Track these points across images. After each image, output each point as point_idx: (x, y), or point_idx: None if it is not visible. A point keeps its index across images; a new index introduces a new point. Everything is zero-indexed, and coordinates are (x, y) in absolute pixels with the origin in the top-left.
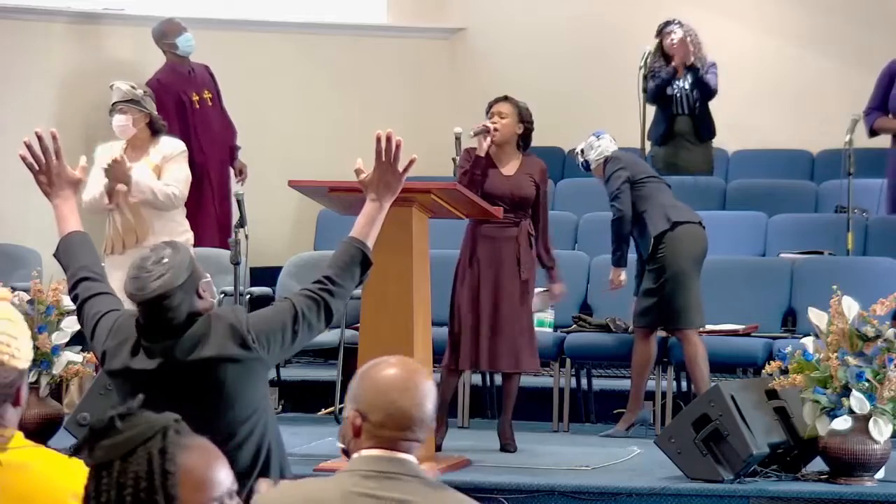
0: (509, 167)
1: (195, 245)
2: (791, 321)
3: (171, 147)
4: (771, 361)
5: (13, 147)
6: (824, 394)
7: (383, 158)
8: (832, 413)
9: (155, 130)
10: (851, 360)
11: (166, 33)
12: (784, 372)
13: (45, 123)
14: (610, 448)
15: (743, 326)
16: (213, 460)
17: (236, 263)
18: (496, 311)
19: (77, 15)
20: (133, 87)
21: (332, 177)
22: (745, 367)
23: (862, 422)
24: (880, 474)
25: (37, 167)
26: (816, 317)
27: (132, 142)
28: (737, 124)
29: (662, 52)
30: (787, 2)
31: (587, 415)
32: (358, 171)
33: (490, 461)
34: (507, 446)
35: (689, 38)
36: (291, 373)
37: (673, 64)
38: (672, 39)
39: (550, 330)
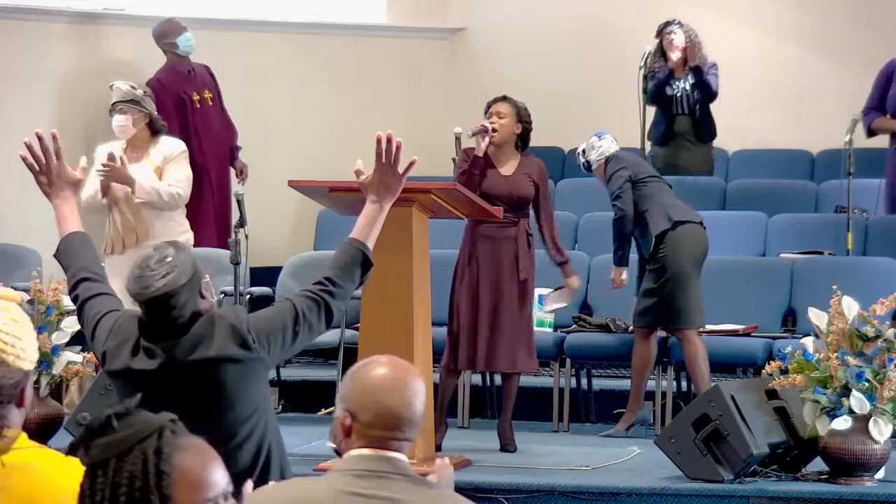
0: (507, 167)
1: (195, 245)
2: (791, 321)
3: (172, 147)
4: (771, 361)
5: (13, 147)
6: (824, 394)
7: (383, 160)
8: (832, 413)
9: (155, 130)
10: (851, 360)
11: (166, 33)
12: (784, 372)
13: (45, 123)
14: (610, 448)
15: (743, 326)
16: (209, 461)
17: (236, 263)
18: (495, 311)
19: (77, 15)
20: (133, 87)
21: (332, 177)
22: (745, 367)
23: (862, 422)
24: (880, 474)
25: (37, 168)
26: (816, 317)
27: (132, 142)
28: (737, 124)
29: (663, 53)
30: (787, 2)
31: (587, 415)
32: (358, 172)
33: (490, 461)
34: (507, 446)
35: (687, 40)
36: (291, 373)
37: (668, 64)
38: (672, 40)
39: (550, 330)
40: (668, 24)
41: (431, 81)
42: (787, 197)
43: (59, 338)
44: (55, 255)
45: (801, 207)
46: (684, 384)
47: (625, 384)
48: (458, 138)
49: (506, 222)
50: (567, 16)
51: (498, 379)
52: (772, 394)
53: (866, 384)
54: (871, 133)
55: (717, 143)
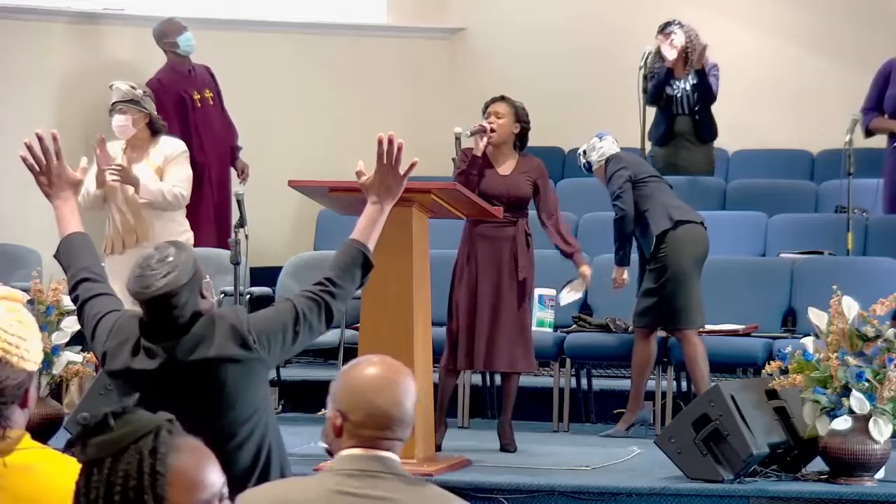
0: (506, 167)
1: (194, 245)
2: (791, 321)
3: (172, 147)
4: (771, 361)
5: (13, 147)
6: (824, 394)
7: (385, 161)
8: (832, 413)
9: (155, 130)
10: (851, 360)
11: (167, 33)
12: (784, 372)
13: (45, 124)
14: (610, 448)
15: (743, 326)
16: (205, 462)
17: (236, 263)
18: (493, 311)
19: (77, 15)
20: (133, 87)
21: (332, 177)
22: (745, 367)
23: (862, 422)
24: (880, 474)
25: (37, 168)
26: (816, 317)
27: (132, 142)
28: (737, 124)
29: (662, 53)
30: (787, 2)
31: (587, 415)
32: (359, 173)
33: (490, 461)
34: (507, 446)
35: (688, 41)
36: (291, 373)
37: (665, 63)
38: (672, 40)
39: (550, 330)
40: (668, 24)
41: (431, 81)
42: (787, 197)
43: (59, 338)
44: (55, 256)
45: (801, 207)
46: (684, 384)
47: (625, 384)
48: (458, 138)
49: (504, 222)
50: (567, 16)
51: (498, 379)
52: (772, 394)
53: (866, 384)
54: (868, 133)
55: (717, 143)
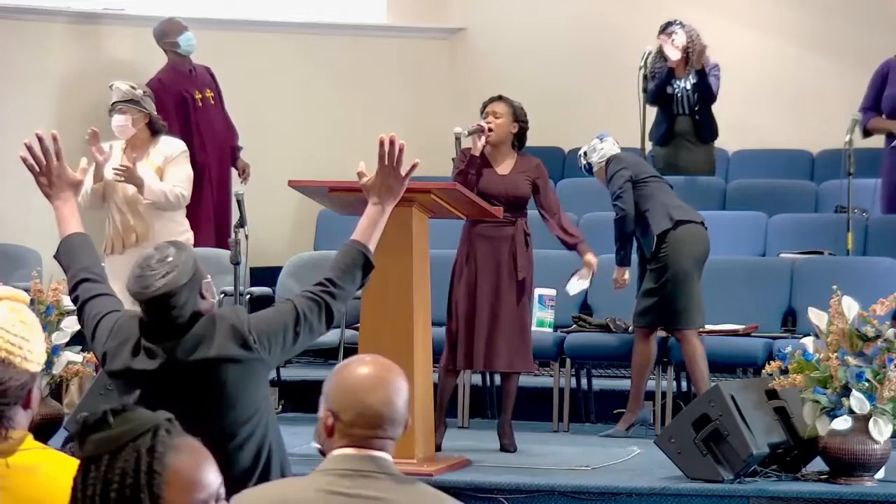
0: (504, 166)
1: (194, 245)
2: (791, 321)
3: (172, 148)
4: (771, 361)
5: (13, 147)
6: (824, 394)
7: (386, 162)
8: (832, 413)
9: (155, 130)
10: (851, 360)
11: (167, 32)
12: (784, 372)
13: (46, 124)
14: (610, 448)
15: (743, 326)
16: (202, 462)
17: (236, 263)
18: (493, 311)
19: (77, 15)
20: (133, 87)
21: (332, 177)
22: (745, 367)
23: (862, 422)
24: (880, 474)
25: (37, 169)
26: (816, 317)
27: (132, 142)
28: (737, 124)
29: (664, 53)
30: (787, 2)
31: (587, 415)
32: (360, 174)
33: (490, 461)
34: (507, 446)
35: (689, 41)
36: (291, 373)
37: (667, 64)
38: (673, 40)
39: (550, 330)
40: (669, 24)
41: (431, 81)
42: (787, 197)
43: (59, 338)
44: (55, 256)
45: (801, 207)
46: (684, 384)
47: (625, 384)
48: (458, 138)
49: (503, 222)
50: (567, 15)
51: (498, 379)
52: (772, 394)
53: (866, 384)
54: (866, 133)
55: (717, 142)
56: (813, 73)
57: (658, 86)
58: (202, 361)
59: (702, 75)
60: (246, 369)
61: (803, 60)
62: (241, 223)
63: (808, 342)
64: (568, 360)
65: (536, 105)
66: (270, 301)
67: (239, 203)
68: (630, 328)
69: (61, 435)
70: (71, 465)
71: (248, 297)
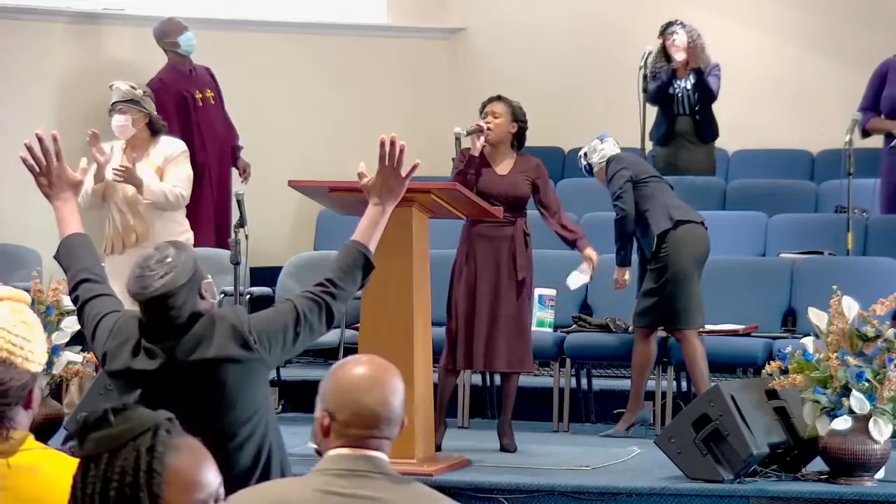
0: (503, 166)
1: (194, 245)
2: (791, 321)
3: (172, 148)
4: (771, 361)
5: (13, 147)
6: (824, 394)
7: (387, 163)
8: (832, 413)
9: (155, 130)
10: (851, 360)
11: (168, 32)
12: (784, 372)
13: (46, 124)
14: (610, 448)
15: (743, 326)
16: (202, 462)
17: (236, 263)
18: (492, 311)
19: (77, 15)
20: (132, 87)
21: (332, 177)
22: (745, 367)
23: (862, 422)
24: (880, 474)
25: (37, 169)
26: (816, 317)
27: (132, 142)
28: (737, 124)
29: (665, 53)
30: (787, 2)
31: (587, 415)
32: (361, 175)
33: (490, 461)
34: (507, 446)
35: (690, 40)
36: (291, 373)
37: (671, 65)
38: (674, 40)
39: (550, 330)
40: (670, 24)
41: (431, 81)
42: (787, 197)
43: (59, 338)
44: (55, 257)
45: (801, 207)
46: (684, 384)
47: (625, 384)
48: (458, 139)
49: (503, 222)
50: (567, 16)
51: (497, 379)
52: (772, 394)
53: (866, 384)
54: (865, 133)
55: (717, 142)
56: (813, 73)
57: (660, 87)
58: (202, 361)
59: (699, 74)
60: (246, 369)
61: (803, 60)
62: (241, 223)
63: (808, 342)
64: (568, 360)
65: (536, 105)
66: (270, 301)
67: (239, 203)
68: (630, 328)
69: (61, 435)
70: (72, 465)
71: (248, 297)
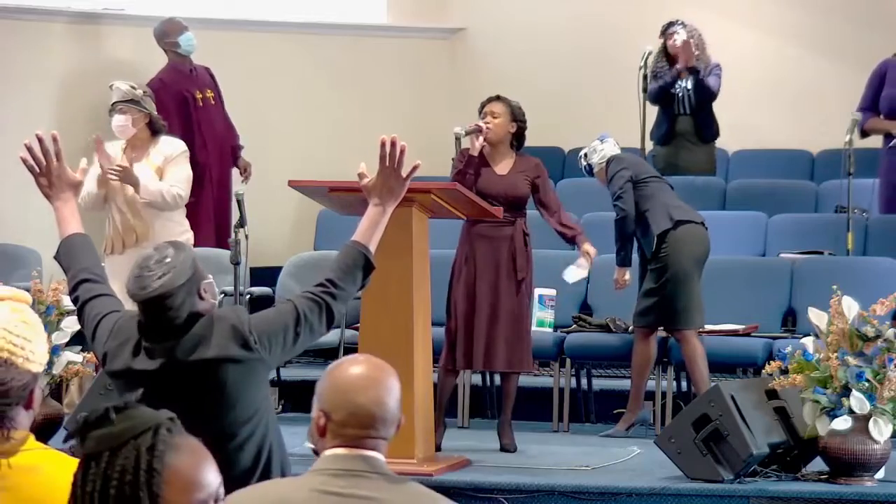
0: (502, 166)
1: (194, 245)
2: (791, 321)
3: (172, 148)
4: (771, 361)
5: (13, 148)
6: (824, 394)
7: (387, 163)
8: (832, 413)
9: (155, 130)
10: (851, 360)
11: (168, 32)
12: (784, 372)
13: (46, 124)
14: (610, 448)
15: (743, 326)
16: (202, 462)
17: (236, 263)
18: (492, 311)
19: (77, 15)
20: (133, 87)
21: (332, 176)
22: (745, 367)
23: (862, 422)
24: (880, 474)
25: (37, 169)
26: (816, 317)
27: (132, 142)
28: (737, 124)
29: (666, 53)
30: (787, 2)
31: (587, 415)
32: (361, 176)
33: (490, 461)
34: (506, 446)
35: (692, 40)
36: (291, 373)
37: (677, 66)
38: (675, 40)
39: (550, 330)
40: (671, 24)
41: (431, 81)
42: (787, 197)
43: (59, 338)
44: (55, 257)
45: (801, 207)
46: (684, 384)
47: (625, 384)
48: (458, 138)
49: (502, 222)
50: (567, 16)
51: (497, 379)
52: (772, 394)
53: (866, 384)
54: (864, 133)
55: (717, 142)
56: (813, 73)
57: (662, 87)
58: (202, 361)
59: (694, 74)
60: (246, 369)
61: (803, 60)
62: (241, 223)
63: (808, 342)
64: (568, 360)
65: (536, 105)
66: (270, 301)
67: (239, 203)
68: (630, 328)
69: (62, 435)
70: (72, 465)
71: (248, 297)
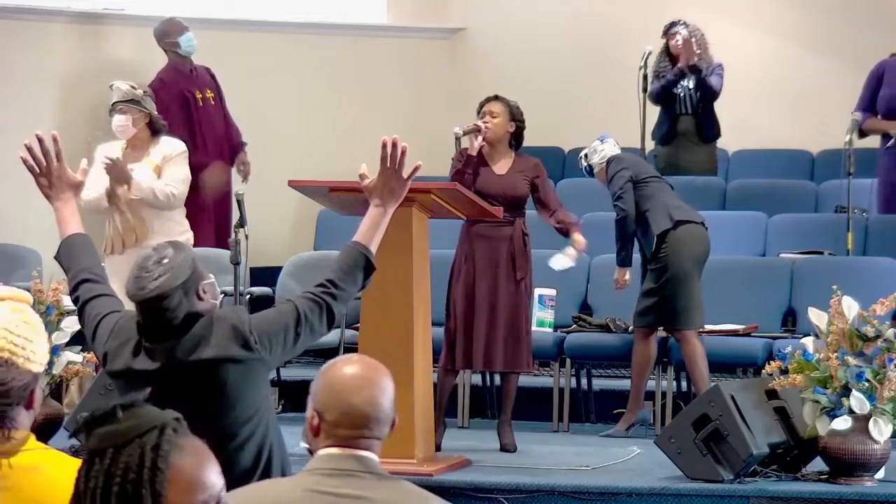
0: (501, 166)
1: (194, 245)
2: (791, 321)
3: (172, 147)
4: (771, 361)
5: (13, 148)
6: (824, 394)
7: (388, 164)
8: (832, 413)
9: (155, 130)
10: (851, 360)
11: (168, 32)
12: (784, 372)
13: (46, 124)
14: (610, 448)
15: (743, 326)
16: (205, 463)
17: (236, 263)
18: (491, 311)
19: (77, 15)
20: (133, 87)
21: (332, 176)
22: (745, 367)
23: (862, 422)
24: (880, 474)
25: (37, 170)
26: (816, 317)
27: (132, 142)
28: (737, 124)
29: (668, 53)
30: (787, 2)
31: (587, 415)
32: (362, 176)
33: (490, 461)
34: (506, 446)
35: (693, 39)
36: (291, 373)
37: (679, 66)
38: (677, 40)
39: (550, 330)
40: (673, 24)
41: (431, 81)
42: (787, 197)
43: (59, 338)
44: (56, 257)
45: (801, 207)
46: (684, 384)
47: (625, 384)
48: (457, 138)
49: (502, 222)
50: (567, 15)
51: (497, 379)
52: (772, 394)
53: (866, 384)
54: (862, 134)
55: (717, 142)
56: (813, 73)
57: (664, 86)
58: (202, 362)
59: (697, 72)
60: (246, 369)
61: (803, 60)
62: (241, 223)
63: (808, 342)
64: (568, 360)
65: (536, 105)
66: (270, 301)
67: (239, 203)
68: (630, 328)
69: (61, 435)
70: (73, 465)
71: (248, 297)
